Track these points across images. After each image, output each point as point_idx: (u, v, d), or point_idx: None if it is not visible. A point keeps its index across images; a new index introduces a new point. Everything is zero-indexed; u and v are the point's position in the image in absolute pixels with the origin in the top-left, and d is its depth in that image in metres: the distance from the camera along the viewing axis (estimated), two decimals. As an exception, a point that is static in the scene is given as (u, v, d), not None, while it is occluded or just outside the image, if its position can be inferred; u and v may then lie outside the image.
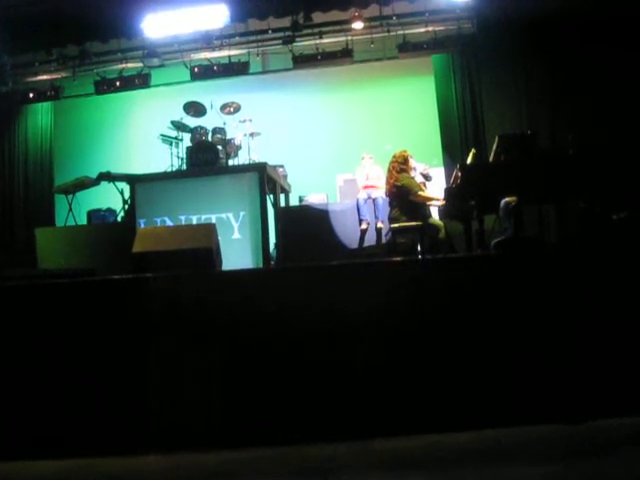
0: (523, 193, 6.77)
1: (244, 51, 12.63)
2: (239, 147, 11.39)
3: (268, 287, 5.13)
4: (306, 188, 12.06)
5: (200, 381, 4.93)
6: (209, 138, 11.41)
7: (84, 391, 4.94)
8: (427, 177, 9.13)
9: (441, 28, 11.98)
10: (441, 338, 4.85)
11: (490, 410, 4.63)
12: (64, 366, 5.00)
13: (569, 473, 3.49)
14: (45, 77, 13.24)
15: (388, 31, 12.03)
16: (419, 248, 8.35)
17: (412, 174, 8.66)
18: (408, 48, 11.91)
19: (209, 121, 11.79)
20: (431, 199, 8.31)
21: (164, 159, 11.77)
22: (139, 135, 13.73)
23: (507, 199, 6.99)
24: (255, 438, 4.66)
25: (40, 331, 5.08)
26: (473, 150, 8.35)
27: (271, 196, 10.84)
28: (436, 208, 8.46)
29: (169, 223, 10.25)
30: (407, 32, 11.96)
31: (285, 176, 11.93)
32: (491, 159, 7.33)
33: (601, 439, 4.12)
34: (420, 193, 8.31)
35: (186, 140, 11.74)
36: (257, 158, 11.27)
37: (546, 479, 3.43)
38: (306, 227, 10.52)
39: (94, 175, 11.75)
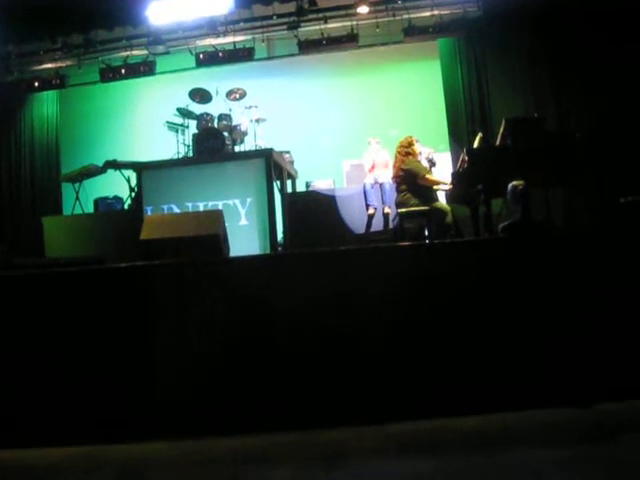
0: (530, 177, 6.75)
1: (249, 37, 12.58)
2: (245, 133, 11.40)
3: (276, 273, 5.14)
4: (313, 174, 12.03)
5: (208, 367, 4.96)
6: (215, 125, 11.42)
7: (92, 378, 4.97)
8: (432, 163, 9.10)
9: (447, 12, 11.90)
10: (449, 322, 4.86)
11: (498, 394, 4.64)
12: (72, 353, 5.03)
13: (578, 457, 3.49)
14: (50, 66, 13.21)
15: (393, 15, 11.96)
16: (426, 233, 8.34)
17: (418, 158, 8.64)
18: (413, 32, 11.84)
19: (215, 108, 11.79)
20: (438, 183, 8.28)
21: (170, 146, 11.78)
22: (145, 122, 13.72)
23: (514, 183, 6.95)
24: (264, 424, 4.68)
25: (48, 319, 5.11)
26: (480, 134, 8.32)
27: (278, 182, 10.84)
28: (443, 192, 8.44)
29: (176, 210, 10.28)
30: (412, 16, 11.89)
31: (292, 162, 11.93)
32: (498, 143, 7.32)
33: (609, 423, 4.13)
34: (427, 176, 8.29)
35: (192, 127, 11.75)
36: (263, 144, 11.27)
37: (555, 463, 3.44)
38: (313, 213, 10.52)
39: (101, 163, 11.77)
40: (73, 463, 4.31)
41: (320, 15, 12.04)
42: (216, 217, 7.06)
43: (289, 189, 11.62)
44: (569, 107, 10.73)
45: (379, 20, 12.02)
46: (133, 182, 11.29)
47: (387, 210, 9.86)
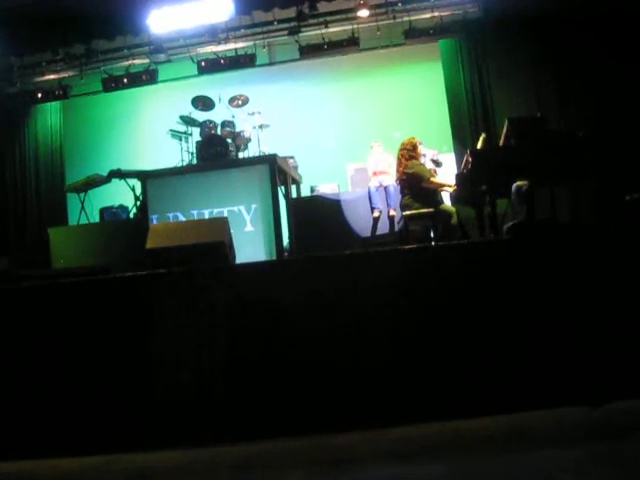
0: (535, 176, 6.74)
1: (250, 43, 12.61)
2: (249, 139, 11.42)
3: (283, 278, 5.14)
4: (317, 178, 12.03)
5: (216, 375, 4.95)
6: (218, 132, 11.44)
7: (99, 388, 4.97)
8: (437, 163, 9.09)
9: (447, 13, 11.92)
10: (456, 324, 4.84)
11: (506, 395, 4.63)
12: (80, 364, 5.04)
13: (591, 457, 3.47)
14: (53, 77, 13.25)
15: (394, 18, 11.99)
16: (432, 234, 8.34)
17: (422, 160, 8.62)
18: (414, 34, 11.86)
19: (218, 115, 11.82)
20: (443, 185, 8.26)
21: (174, 154, 11.81)
22: (148, 131, 13.77)
23: (519, 183, 6.96)
24: (269, 430, 4.67)
25: (55, 330, 5.11)
26: (483, 135, 8.31)
27: (282, 187, 10.86)
28: (448, 194, 8.43)
29: (181, 218, 10.30)
30: (413, 18, 11.91)
31: (296, 167, 11.94)
32: (501, 143, 7.31)
33: (621, 421, 4.10)
34: (432, 179, 8.27)
35: (195, 134, 11.78)
36: (267, 150, 11.28)
37: (567, 463, 3.42)
38: (318, 217, 10.52)
39: (105, 173, 11.79)
40: (82, 474, 4.31)
41: (321, 19, 12.05)
42: (221, 224, 7.05)
43: (294, 194, 11.63)
44: (572, 105, 10.73)
45: (380, 23, 12.04)
46: (138, 191, 11.32)
47: (392, 213, 9.87)
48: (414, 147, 8.44)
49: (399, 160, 8.48)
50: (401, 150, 8.48)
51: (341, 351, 4.86)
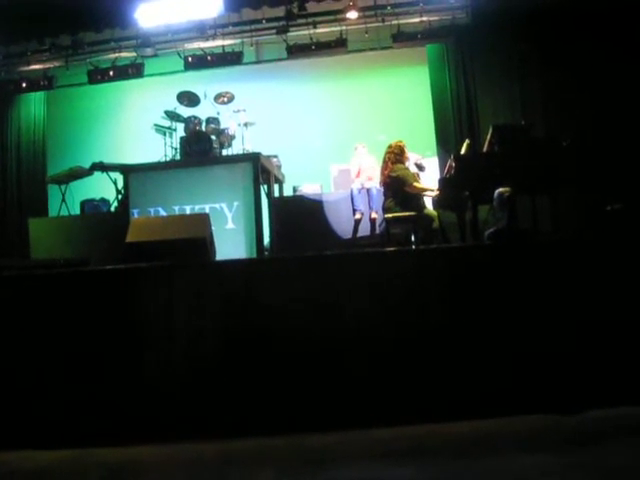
0: (517, 183, 6.77)
1: (238, 41, 12.58)
2: (233, 137, 11.39)
3: (262, 277, 5.13)
4: (300, 178, 12.02)
5: (195, 371, 4.94)
6: (203, 128, 11.40)
7: (79, 381, 4.94)
8: (421, 168, 9.08)
9: (435, 18, 11.96)
10: (435, 328, 4.85)
11: (484, 400, 4.64)
12: (57, 356, 5.00)
13: (565, 463, 3.49)
14: (38, 67, 13.15)
15: (382, 21, 12.00)
16: (413, 238, 8.35)
17: (407, 164, 8.64)
18: (402, 38, 11.88)
19: (203, 111, 11.77)
20: (425, 190, 8.28)
21: (158, 149, 11.75)
22: (133, 125, 13.67)
23: (501, 189, 6.98)
24: (250, 428, 4.66)
25: (33, 321, 5.07)
26: (467, 141, 8.34)
27: (265, 186, 10.84)
28: (430, 198, 8.45)
29: (163, 213, 10.26)
30: (401, 22, 11.93)
31: (279, 166, 11.93)
32: (485, 149, 7.33)
33: (595, 429, 4.13)
34: (415, 184, 8.28)
35: (180, 130, 11.72)
36: (251, 148, 11.27)
37: (541, 469, 3.44)
38: (300, 217, 10.51)
39: (87, 165, 11.71)
40: (59, 467, 4.28)
41: (309, 20, 12.04)
42: (203, 220, 7.05)
43: (276, 193, 11.62)
44: (557, 114, 10.77)
45: (368, 25, 12.06)
46: (120, 184, 11.24)
47: (374, 215, 9.87)
48: (401, 151, 8.45)
49: (385, 163, 8.49)
50: (388, 153, 8.48)
51: (322, 351, 4.86)
